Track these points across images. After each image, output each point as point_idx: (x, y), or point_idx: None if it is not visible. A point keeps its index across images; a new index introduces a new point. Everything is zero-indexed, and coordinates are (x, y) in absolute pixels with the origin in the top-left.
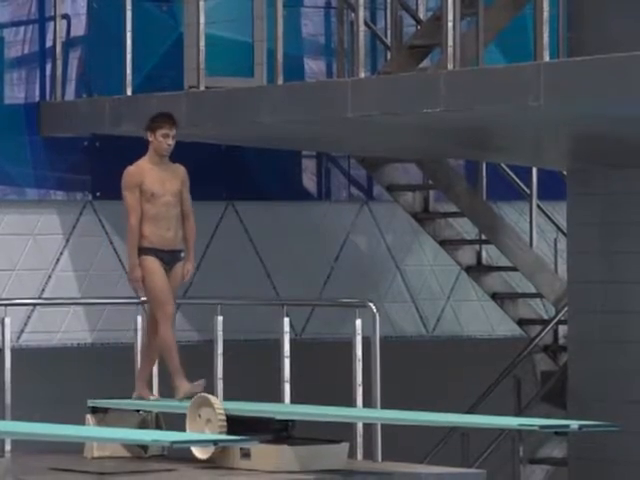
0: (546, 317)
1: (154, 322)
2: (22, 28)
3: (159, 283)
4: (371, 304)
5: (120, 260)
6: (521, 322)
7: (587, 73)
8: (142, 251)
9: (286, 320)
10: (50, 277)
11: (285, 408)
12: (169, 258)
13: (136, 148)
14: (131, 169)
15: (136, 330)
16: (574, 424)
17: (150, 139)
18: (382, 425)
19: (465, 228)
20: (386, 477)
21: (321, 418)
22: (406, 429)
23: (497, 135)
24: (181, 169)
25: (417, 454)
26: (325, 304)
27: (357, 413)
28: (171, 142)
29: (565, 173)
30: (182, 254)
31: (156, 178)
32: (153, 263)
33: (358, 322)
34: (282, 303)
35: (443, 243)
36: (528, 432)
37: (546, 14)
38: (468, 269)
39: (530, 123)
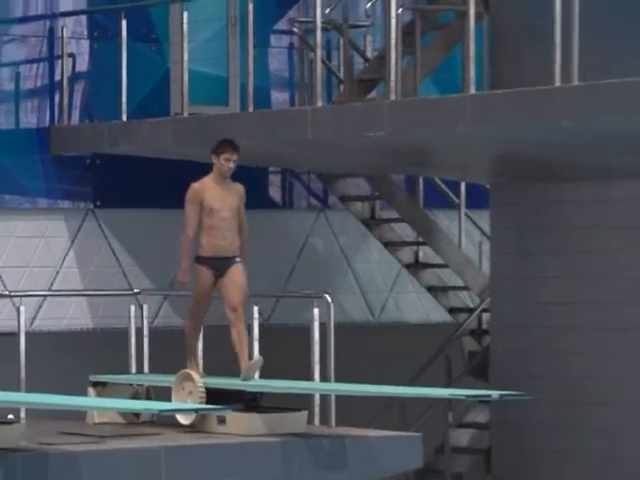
0: (472, 306)
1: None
2: (35, 65)
3: (198, 296)
4: (327, 295)
5: (117, 259)
6: (451, 310)
7: (506, 104)
8: (198, 260)
9: (255, 308)
10: (58, 273)
11: (255, 382)
12: (221, 264)
13: (130, 165)
14: (195, 185)
15: (129, 317)
16: (495, 394)
17: (214, 161)
18: (335, 396)
19: (405, 232)
20: (338, 439)
21: (284, 390)
22: (356, 399)
23: (432, 155)
24: (240, 187)
25: (364, 421)
26: (288, 295)
27: (314, 386)
28: (232, 165)
29: (488, 186)
30: (237, 259)
31: (217, 195)
32: (203, 273)
33: (316, 311)
34: (251, 295)
35: (387, 244)
36: (457, 401)
37: (472, 53)
38: (407, 266)
39: (459, 145)
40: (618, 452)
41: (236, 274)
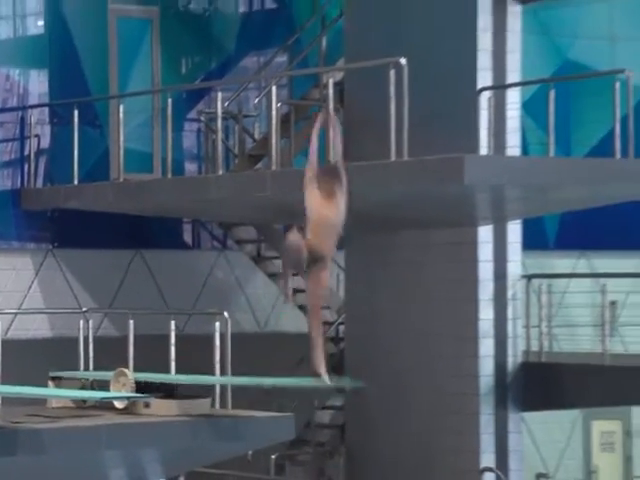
0: (332, 320)
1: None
2: (10, 143)
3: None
4: (225, 313)
5: (70, 286)
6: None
7: (357, 173)
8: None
9: (172, 322)
10: (26, 296)
11: (171, 377)
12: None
13: (79, 217)
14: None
15: (79, 329)
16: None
17: None
18: (231, 386)
19: None
20: (233, 418)
21: (193, 382)
22: (247, 389)
23: (303, 210)
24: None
25: (254, 405)
26: (197, 313)
27: (215, 380)
28: None
29: (343, 232)
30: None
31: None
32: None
33: (217, 324)
34: (169, 312)
35: (270, 275)
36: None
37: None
38: None
39: None
40: (433, 425)
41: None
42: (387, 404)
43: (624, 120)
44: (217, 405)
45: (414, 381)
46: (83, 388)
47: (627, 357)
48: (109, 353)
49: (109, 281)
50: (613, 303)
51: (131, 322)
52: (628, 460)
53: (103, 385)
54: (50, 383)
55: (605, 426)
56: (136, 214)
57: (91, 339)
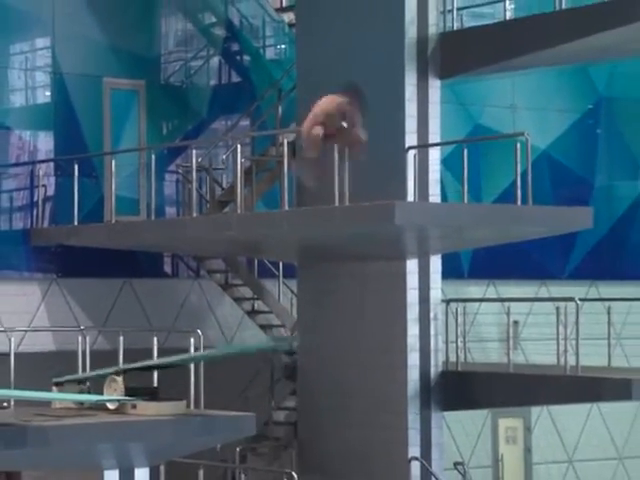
0: (286, 337)
1: None
2: (22, 191)
3: None
4: (199, 331)
5: (70, 308)
6: (274, 340)
7: (306, 216)
8: None
9: (155, 338)
10: (34, 317)
11: (152, 362)
12: None
13: (79, 251)
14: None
15: (78, 343)
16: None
17: None
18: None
19: (246, 292)
20: (204, 417)
21: (170, 363)
22: (217, 391)
23: (262, 246)
24: None
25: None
26: (175, 330)
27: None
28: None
29: (296, 263)
30: None
31: None
32: None
33: (192, 340)
34: (152, 330)
35: (235, 300)
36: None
37: (286, 185)
38: (248, 313)
39: (278, 241)
40: (370, 423)
41: None
42: (333, 405)
43: (524, 174)
44: (191, 406)
45: (354, 386)
46: (81, 392)
47: (527, 366)
48: (103, 364)
49: (103, 304)
50: (516, 322)
51: (121, 338)
52: (528, 451)
53: (98, 389)
54: (54, 388)
55: (509, 423)
56: (125, 249)
57: (88, 352)
